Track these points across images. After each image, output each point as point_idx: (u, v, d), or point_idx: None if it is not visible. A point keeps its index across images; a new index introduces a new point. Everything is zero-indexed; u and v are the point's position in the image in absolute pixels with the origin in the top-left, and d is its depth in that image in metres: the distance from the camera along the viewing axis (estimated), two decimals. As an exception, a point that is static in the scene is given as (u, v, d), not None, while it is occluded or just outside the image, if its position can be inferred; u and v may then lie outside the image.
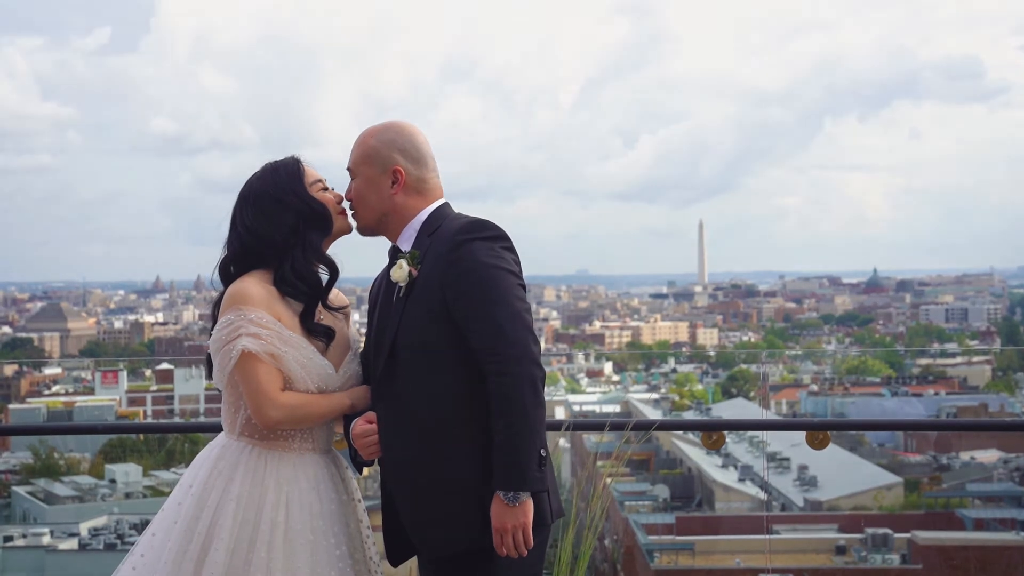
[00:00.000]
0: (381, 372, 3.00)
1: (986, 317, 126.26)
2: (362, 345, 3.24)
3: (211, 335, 3.03)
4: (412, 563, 3.16)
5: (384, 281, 3.11)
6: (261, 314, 2.97)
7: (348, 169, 3.14)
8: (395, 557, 3.09)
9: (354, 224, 3.16)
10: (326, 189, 3.16)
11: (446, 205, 3.11)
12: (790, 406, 45.94)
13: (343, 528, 3.06)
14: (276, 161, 3.16)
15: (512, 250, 2.98)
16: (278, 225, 3.05)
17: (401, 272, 2.97)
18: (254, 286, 3.01)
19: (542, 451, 2.83)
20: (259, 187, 3.10)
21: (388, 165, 3.07)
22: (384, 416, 3.00)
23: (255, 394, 2.96)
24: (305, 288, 3.06)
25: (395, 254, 3.06)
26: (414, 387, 2.94)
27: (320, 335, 3.07)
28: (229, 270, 3.10)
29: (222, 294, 3.06)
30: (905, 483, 30.64)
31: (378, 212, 3.08)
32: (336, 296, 3.19)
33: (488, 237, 2.94)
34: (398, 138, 3.09)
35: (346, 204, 3.17)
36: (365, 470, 3.19)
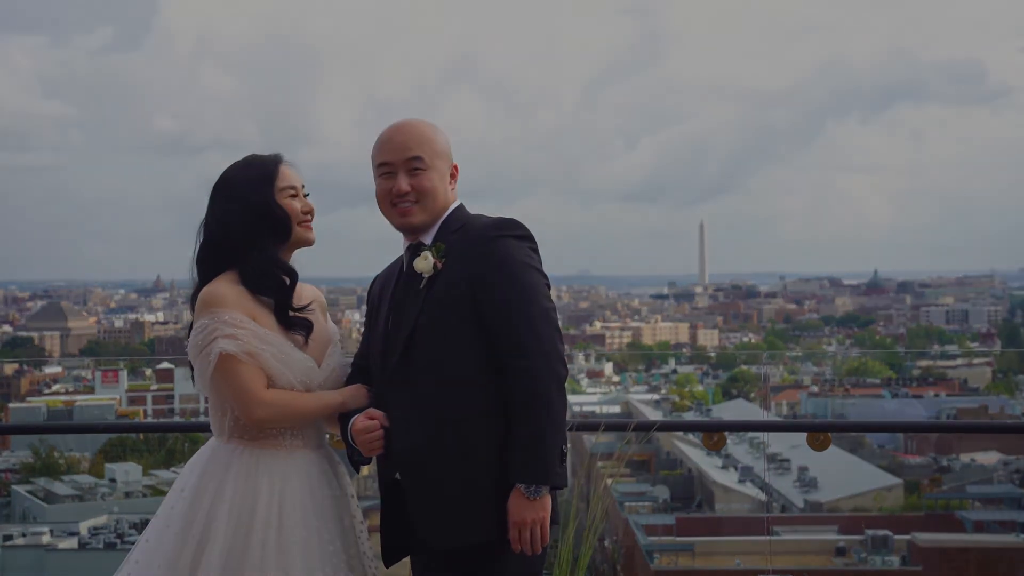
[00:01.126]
0: (398, 361, 2.98)
1: (987, 319, 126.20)
2: (357, 339, 3.22)
3: (188, 340, 3.02)
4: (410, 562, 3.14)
5: (398, 275, 3.11)
6: (235, 314, 2.97)
7: (410, 159, 3.03)
8: (390, 556, 3.07)
9: (407, 219, 3.05)
10: (295, 196, 3.12)
11: (463, 205, 3.14)
12: (790, 407, 45.89)
13: (336, 524, 3.05)
14: (258, 156, 3.15)
15: (538, 252, 3.03)
16: (237, 220, 3.04)
17: (426, 263, 2.99)
18: (225, 288, 3.01)
19: (564, 447, 2.86)
20: (231, 178, 3.11)
21: (451, 160, 3.12)
22: (399, 404, 2.98)
23: (240, 394, 2.96)
24: (271, 283, 3.05)
25: (417, 248, 3.05)
26: (433, 377, 2.94)
27: (298, 328, 3.07)
28: (203, 265, 3.09)
29: (195, 295, 3.05)
30: (905, 485, 30.65)
31: (443, 207, 3.08)
32: (302, 291, 3.16)
33: (519, 236, 2.99)
34: (446, 134, 3.14)
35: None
36: (363, 469, 3.18)
